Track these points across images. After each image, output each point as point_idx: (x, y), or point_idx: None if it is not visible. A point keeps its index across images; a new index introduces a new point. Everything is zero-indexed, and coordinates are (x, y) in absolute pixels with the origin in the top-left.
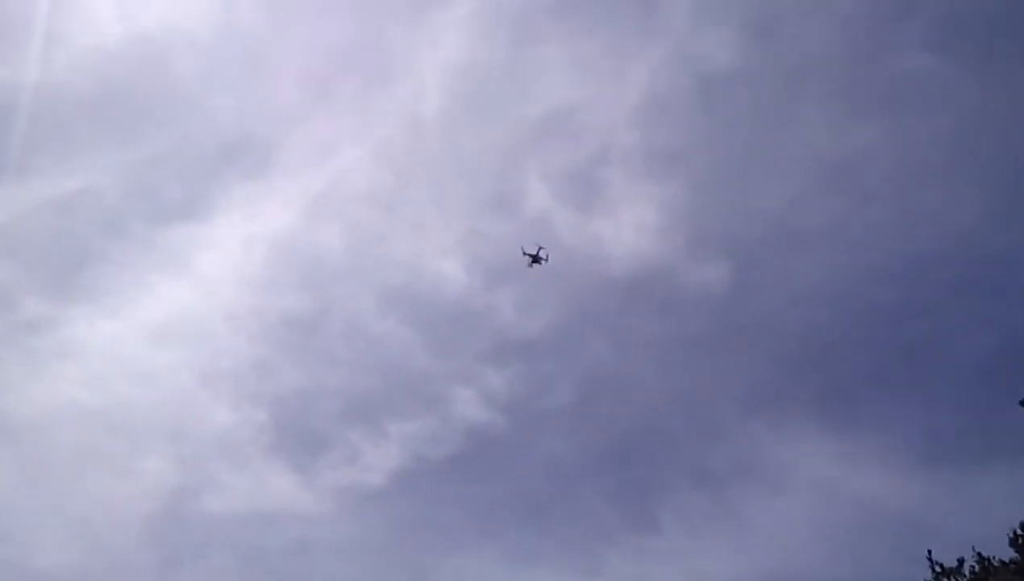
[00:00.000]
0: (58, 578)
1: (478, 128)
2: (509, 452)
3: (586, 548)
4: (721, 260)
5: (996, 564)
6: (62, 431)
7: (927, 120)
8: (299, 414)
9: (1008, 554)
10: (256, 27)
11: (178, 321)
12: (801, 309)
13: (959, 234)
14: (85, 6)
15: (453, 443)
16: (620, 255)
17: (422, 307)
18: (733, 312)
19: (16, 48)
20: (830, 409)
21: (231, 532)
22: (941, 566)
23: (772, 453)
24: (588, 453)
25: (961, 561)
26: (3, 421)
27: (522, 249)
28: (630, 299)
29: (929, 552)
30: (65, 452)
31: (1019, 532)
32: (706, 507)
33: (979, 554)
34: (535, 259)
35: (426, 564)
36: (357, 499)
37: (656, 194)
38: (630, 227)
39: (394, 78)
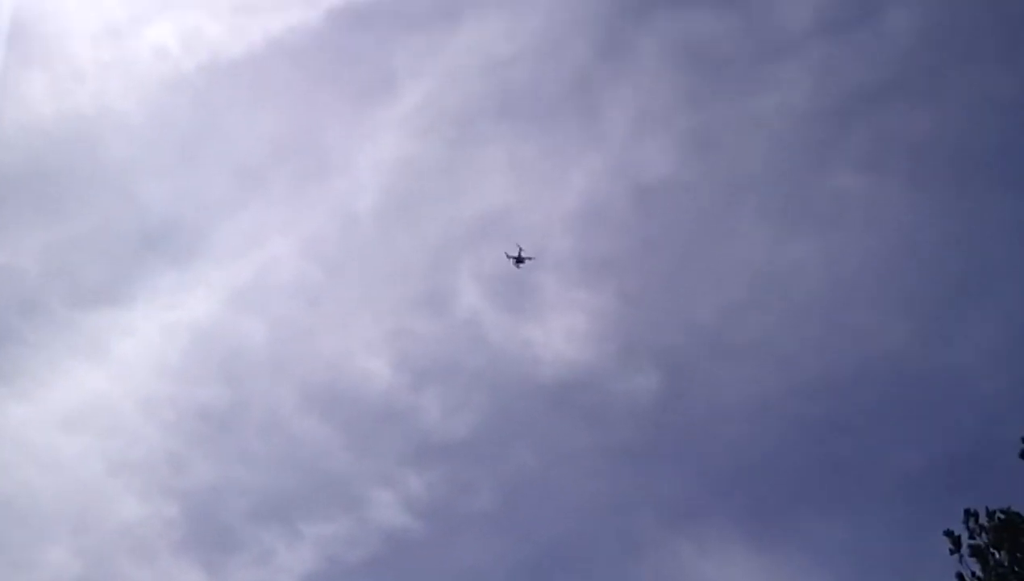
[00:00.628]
0: None
1: (412, 226)
2: (427, 558)
3: None
4: (651, 370)
5: None
6: None
7: (858, 238)
8: (211, 510)
9: None
10: (193, 113)
11: (91, 408)
12: (730, 423)
13: (887, 353)
14: (19, 81)
15: (370, 547)
16: (550, 360)
17: (344, 405)
18: (661, 423)
19: None
20: (756, 526)
21: None
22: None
23: (695, 570)
24: (507, 562)
25: None
26: None
27: (505, 254)
28: (558, 405)
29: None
30: None
31: None
32: None
33: None
34: (519, 260)
35: None
36: None
37: (588, 300)
38: (561, 332)
39: (329, 172)
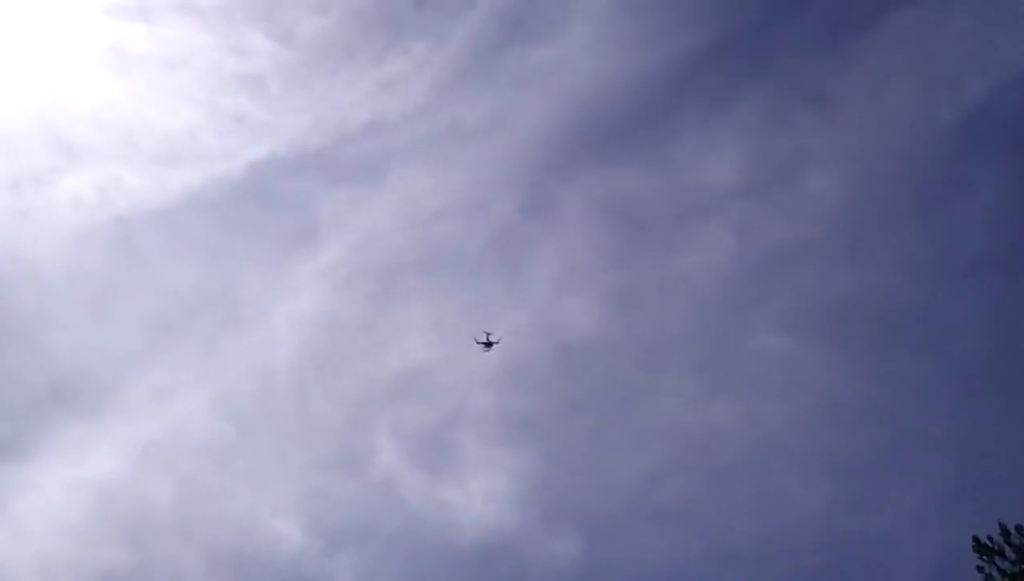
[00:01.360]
0: None
1: (329, 382)
2: None
3: None
4: (573, 534)
5: None
6: None
7: (781, 400)
8: None
9: None
10: (108, 264)
11: None
12: None
13: (810, 517)
14: None
15: None
16: (469, 523)
17: (253, 569)
18: None
19: None
20: None
21: None
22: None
23: None
24: None
25: None
26: None
27: (475, 339)
28: (477, 571)
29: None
30: None
31: None
32: None
33: None
34: (488, 345)
35: None
36: None
37: (509, 461)
38: (481, 494)
39: (246, 325)
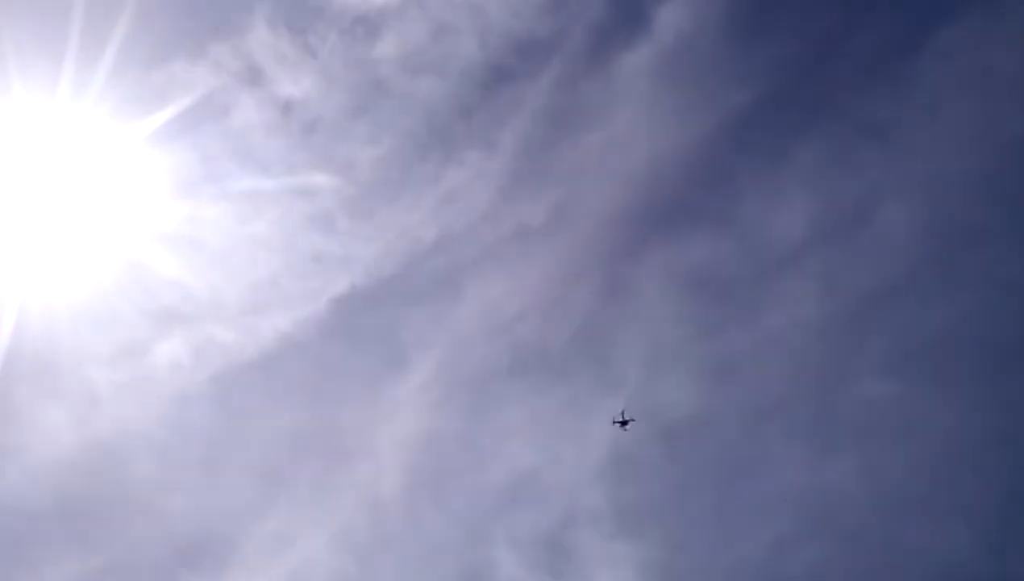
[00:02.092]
0: None
1: (439, 501)
2: None
3: None
4: None
5: None
6: None
7: (897, 448)
8: None
9: None
10: (210, 423)
11: None
12: None
13: (949, 567)
14: (38, 416)
15: None
16: None
17: None
18: None
19: None
20: None
21: None
22: None
23: None
24: None
25: None
26: None
27: (612, 419)
28: None
29: None
30: None
31: None
32: None
33: None
34: (624, 423)
35: None
36: None
37: (630, 553)
38: None
39: (350, 459)
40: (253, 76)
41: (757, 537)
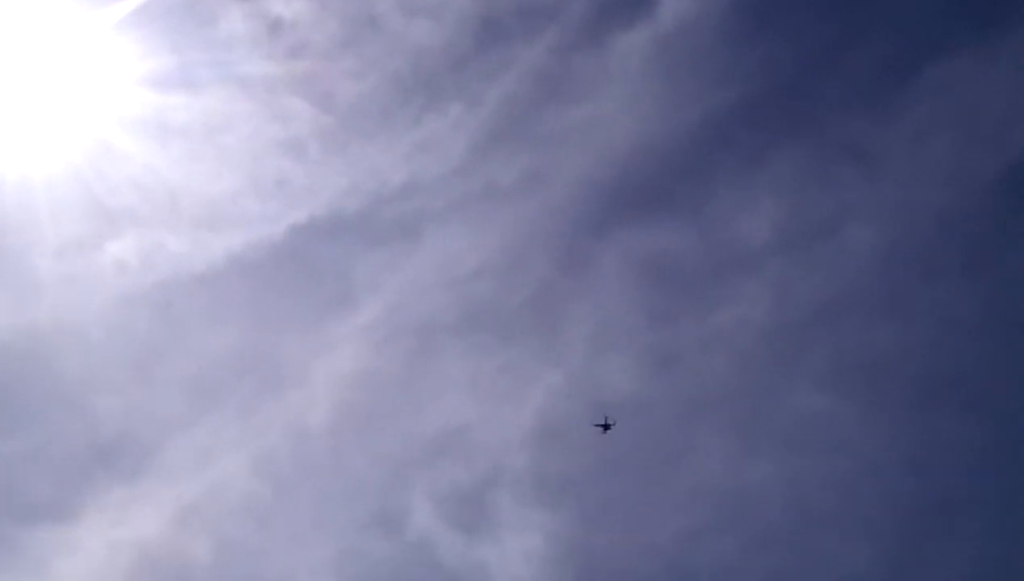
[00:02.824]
0: None
1: (366, 442)
2: None
3: None
4: None
5: None
6: None
7: (820, 461)
8: None
9: None
10: (148, 329)
11: None
12: None
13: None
14: None
15: None
16: None
17: None
18: None
19: None
20: None
21: None
22: None
23: None
24: None
25: None
26: None
27: (593, 424)
28: None
29: None
30: None
31: None
32: None
33: None
34: (605, 427)
35: None
36: None
37: (546, 522)
38: (517, 555)
39: (283, 388)
40: None
41: (671, 526)
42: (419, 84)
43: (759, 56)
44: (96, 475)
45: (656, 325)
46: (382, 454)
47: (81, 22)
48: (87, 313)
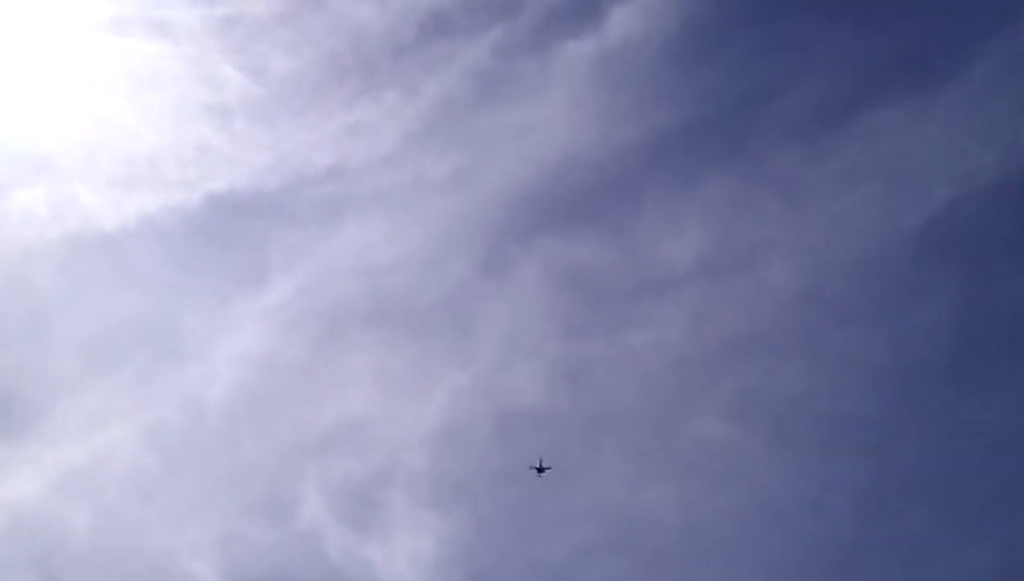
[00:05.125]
0: None
1: (262, 425)
2: None
3: None
4: None
5: None
6: None
7: (718, 492)
8: None
9: None
10: (49, 285)
11: None
12: None
13: None
14: None
15: None
16: None
17: None
18: None
19: None
20: None
21: None
22: None
23: None
24: None
25: None
26: None
27: (530, 467)
28: None
29: None
30: None
31: None
32: None
33: None
34: (540, 470)
35: None
36: None
37: (438, 525)
38: (405, 556)
39: (182, 360)
40: None
41: (564, 541)
42: (356, 66)
43: (701, 81)
44: None
45: (569, 337)
46: (277, 439)
47: None
48: None
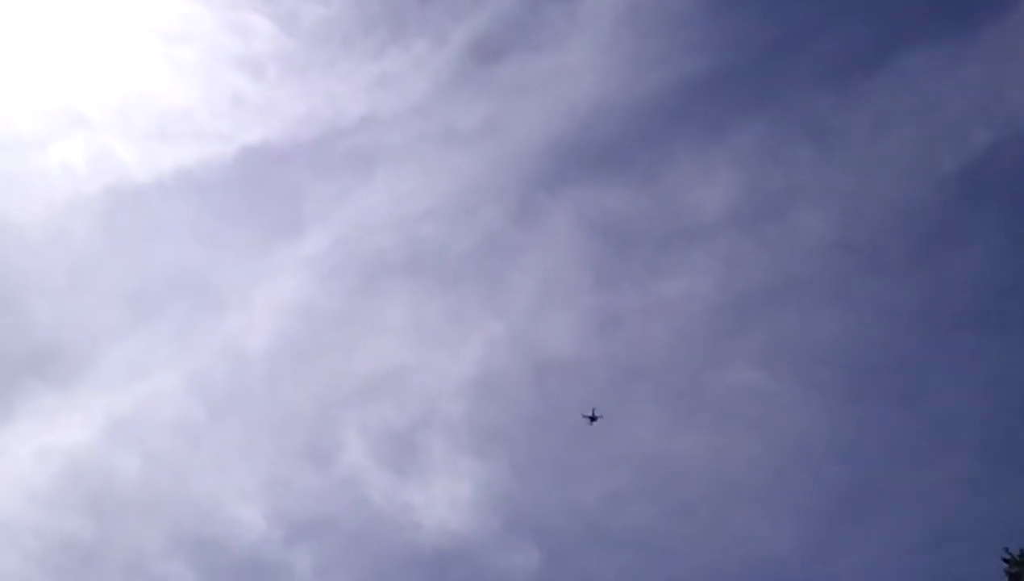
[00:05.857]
0: None
1: (302, 373)
2: None
3: None
4: (531, 549)
5: None
6: None
7: (750, 438)
8: None
9: None
10: (90, 236)
11: None
12: None
13: (768, 557)
14: None
15: None
16: (430, 527)
17: (212, 552)
18: None
19: None
20: None
21: None
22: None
23: None
24: None
25: None
26: None
27: (582, 414)
28: (434, 573)
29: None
30: None
31: None
32: None
33: None
34: (593, 418)
35: None
36: None
37: (475, 469)
38: (444, 499)
39: (223, 310)
40: None
41: (598, 486)
42: (385, 14)
43: (732, 28)
44: (28, 380)
45: (601, 287)
46: (318, 387)
47: None
48: (26, 213)
